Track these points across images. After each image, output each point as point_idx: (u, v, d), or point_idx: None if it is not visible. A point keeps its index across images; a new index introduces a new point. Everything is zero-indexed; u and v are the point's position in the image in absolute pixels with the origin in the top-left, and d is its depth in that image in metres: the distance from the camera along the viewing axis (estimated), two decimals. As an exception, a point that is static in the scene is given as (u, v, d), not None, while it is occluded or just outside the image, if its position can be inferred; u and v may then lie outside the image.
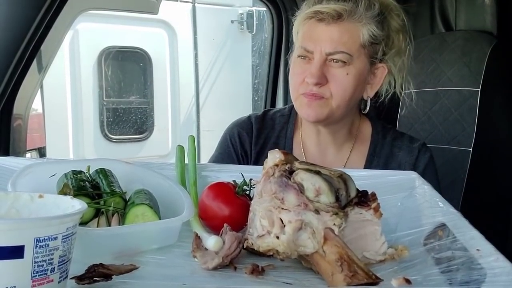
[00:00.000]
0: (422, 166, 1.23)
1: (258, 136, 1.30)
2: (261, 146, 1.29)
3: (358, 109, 1.29)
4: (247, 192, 0.89)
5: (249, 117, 1.34)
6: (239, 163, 1.28)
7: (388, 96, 1.26)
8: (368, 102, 1.24)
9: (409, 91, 1.27)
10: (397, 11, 1.20)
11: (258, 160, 1.28)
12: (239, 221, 0.84)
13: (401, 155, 1.25)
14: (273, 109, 1.39)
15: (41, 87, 2.88)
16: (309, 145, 1.29)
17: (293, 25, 1.25)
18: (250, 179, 0.89)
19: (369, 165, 1.25)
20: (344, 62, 1.14)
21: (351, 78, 1.15)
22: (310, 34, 1.16)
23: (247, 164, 1.29)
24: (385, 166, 1.24)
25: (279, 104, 2.39)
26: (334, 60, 1.14)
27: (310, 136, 1.28)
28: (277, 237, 0.70)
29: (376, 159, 1.26)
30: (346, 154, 1.27)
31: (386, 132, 1.29)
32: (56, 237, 0.54)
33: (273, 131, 1.31)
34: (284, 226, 0.70)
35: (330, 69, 1.15)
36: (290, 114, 1.32)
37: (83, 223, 0.82)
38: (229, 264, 0.73)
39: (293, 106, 1.30)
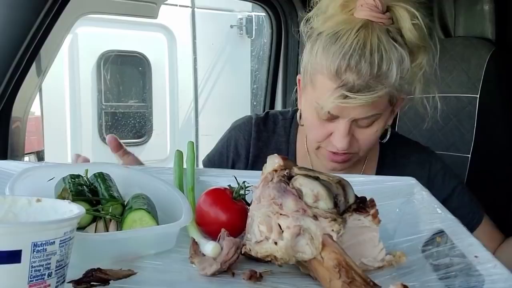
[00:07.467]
0: (440, 178, 1.19)
1: (257, 138, 1.27)
2: (261, 148, 1.26)
3: None
4: (244, 197, 0.89)
5: (250, 119, 1.29)
6: (227, 164, 1.27)
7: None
8: (389, 130, 1.18)
9: (409, 97, 1.25)
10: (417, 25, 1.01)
11: (256, 162, 1.24)
12: (237, 227, 0.83)
13: (410, 168, 1.20)
14: (276, 111, 1.34)
15: (40, 90, 2.88)
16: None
17: (298, 41, 1.14)
18: (244, 182, 0.89)
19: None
20: (373, 121, 1.07)
21: (379, 131, 1.10)
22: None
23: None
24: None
25: (278, 109, 2.39)
26: (363, 124, 1.06)
27: None
28: (275, 243, 0.70)
29: (386, 170, 1.22)
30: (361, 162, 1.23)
31: (394, 144, 1.23)
32: (54, 242, 0.54)
33: (274, 135, 1.27)
34: (283, 231, 0.70)
35: (357, 129, 1.07)
36: (293, 119, 1.28)
37: (81, 227, 0.82)
38: (227, 270, 0.73)
39: (296, 110, 1.26)
